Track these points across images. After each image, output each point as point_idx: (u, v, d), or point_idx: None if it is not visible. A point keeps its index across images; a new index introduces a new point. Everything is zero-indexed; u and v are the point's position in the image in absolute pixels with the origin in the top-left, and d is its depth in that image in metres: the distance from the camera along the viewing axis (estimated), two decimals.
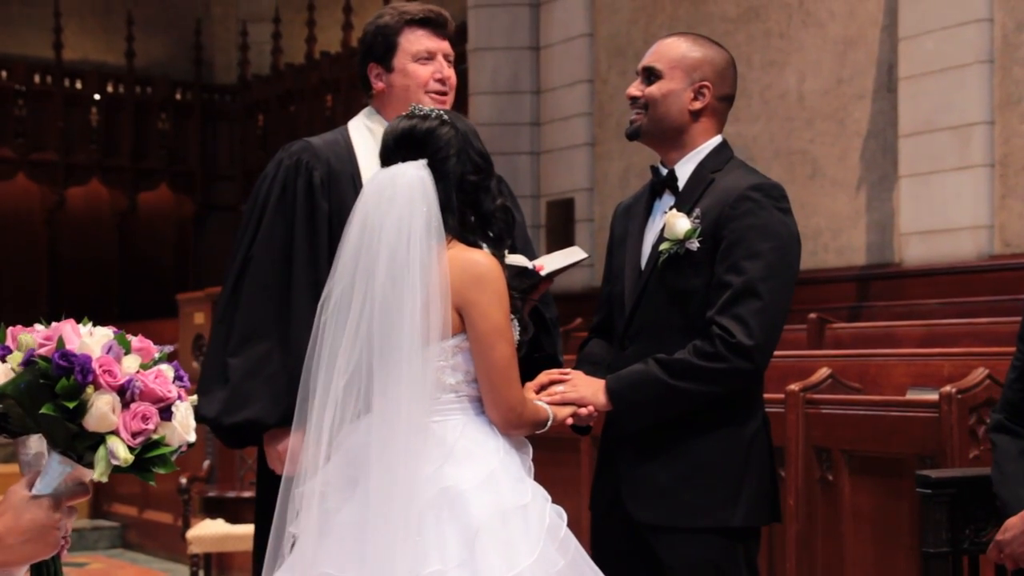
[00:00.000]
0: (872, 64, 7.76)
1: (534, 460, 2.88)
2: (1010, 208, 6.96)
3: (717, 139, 3.27)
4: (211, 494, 6.90)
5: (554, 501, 2.80)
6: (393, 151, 2.89)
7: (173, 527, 8.59)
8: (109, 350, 1.95)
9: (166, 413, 1.97)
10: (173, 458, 1.99)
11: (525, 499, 2.71)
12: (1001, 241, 6.99)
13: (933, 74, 7.18)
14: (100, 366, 1.92)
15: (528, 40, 10.32)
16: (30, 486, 1.96)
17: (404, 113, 2.95)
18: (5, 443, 2.02)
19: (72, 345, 1.93)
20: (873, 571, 4.57)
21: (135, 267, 15.37)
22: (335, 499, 2.71)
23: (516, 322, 2.89)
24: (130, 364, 1.96)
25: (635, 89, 3.27)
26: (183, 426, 1.99)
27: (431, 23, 3.48)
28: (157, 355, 2.03)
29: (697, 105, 3.23)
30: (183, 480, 6.82)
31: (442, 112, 2.92)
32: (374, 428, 2.70)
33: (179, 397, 2.00)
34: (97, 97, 15.25)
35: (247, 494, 6.78)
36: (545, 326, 3.47)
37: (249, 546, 6.38)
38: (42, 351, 1.93)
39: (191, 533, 6.44)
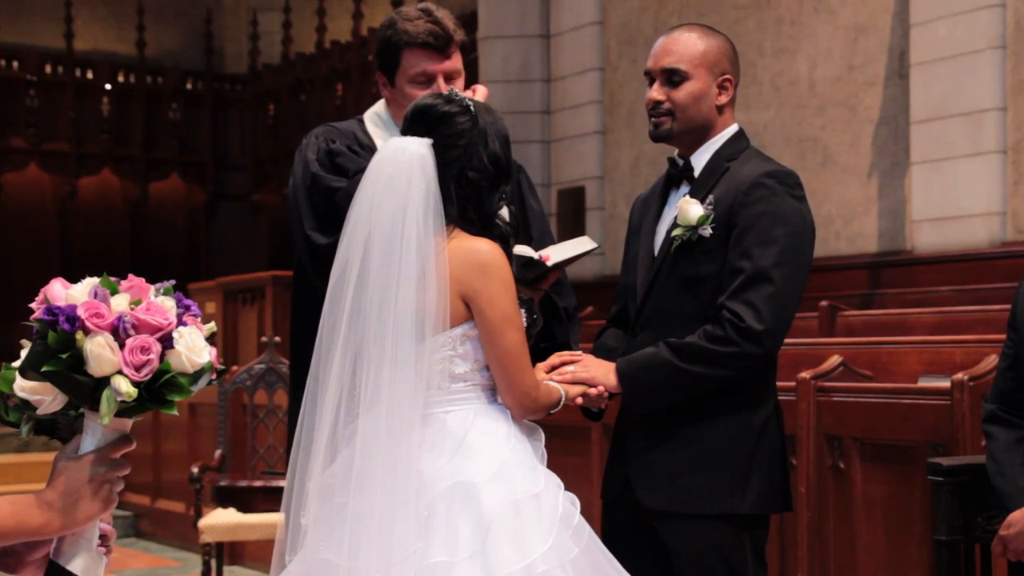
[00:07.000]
0: (883, 51, 7.73)
1: (546, 448, 2.87)
2: (1022, 195, 6.93)
3: (733, 128, 3.26)
4: (223, 483, 6.90)
5: (565, 489, 2.78)
6: (408, 125, 2.86)
7: (185, 516, 8.61)
8: (95, 295, 1.95)
9: (167, 342, 1.95)
10: (195, 386, 1.96)
11: (537, 488, 2.70)
12: (1014, 228, 6.96)
13: (945, 60, 7.15)
14: (86, 310, 1.91)
15: (539, 28, 10.31)
16: (76, 450, 1.97)
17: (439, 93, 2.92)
18: (16, 433, 2.02)
19: (59, 300, 1.94)
20: (885, 559, 4.57)
21: (147, 257, 15.37)
22: (342, 491, 2.68)
23: (524, 311, 2.87)
24: (119, 303, 1.96)
25: (658, 93, 3.20)
26: (191, 350, 1.96)
27: (431, 46, 3.39)
28: (154, 291, 2.02)
29: (723, 99, 3.22)
30: (195, 469, 6.82)
31: (470, 103, 2.86)
32: (376, 417, 2.68)
33: (182, 323, 1.98)
34: (108, 87, 15.27)
35: (258, 483, 6.79)
36: (557, 315, 3.45)
37: (260, 535, 6.43)
38: (36, 315, 1.94)
39: (203, 522, 6.44)
